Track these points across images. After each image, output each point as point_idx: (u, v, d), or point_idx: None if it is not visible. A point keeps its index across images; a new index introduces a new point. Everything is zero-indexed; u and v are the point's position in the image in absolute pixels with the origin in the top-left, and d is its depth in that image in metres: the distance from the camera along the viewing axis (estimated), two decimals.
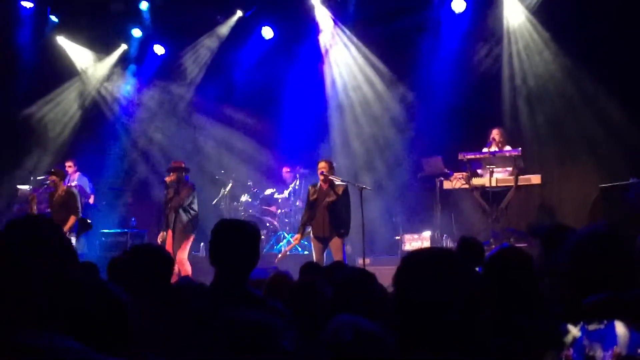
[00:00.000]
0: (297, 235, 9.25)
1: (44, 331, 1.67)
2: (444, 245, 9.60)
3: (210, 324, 2.58)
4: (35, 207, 9.73)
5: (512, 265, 2.77)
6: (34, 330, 1.66)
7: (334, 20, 12.28)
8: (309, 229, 9.07)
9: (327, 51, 12.62)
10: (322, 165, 8.92)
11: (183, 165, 9.64)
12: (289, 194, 11.93)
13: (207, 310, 2.78)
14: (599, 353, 1.90)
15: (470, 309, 1.77)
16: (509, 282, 2.70)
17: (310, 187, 9.15)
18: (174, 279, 3.46)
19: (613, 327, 1.91)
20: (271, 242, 11.61)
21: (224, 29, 12.86)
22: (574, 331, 2.01)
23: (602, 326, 1.94)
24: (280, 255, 9.35)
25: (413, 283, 1.82)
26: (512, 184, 9.45)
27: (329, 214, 8.80)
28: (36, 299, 1.69)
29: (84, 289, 1.95)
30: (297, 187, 11.78)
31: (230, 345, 2.42)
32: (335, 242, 8.82)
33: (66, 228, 9.31)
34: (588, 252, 2.33)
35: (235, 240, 3.09)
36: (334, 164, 9.11)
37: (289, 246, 9.74)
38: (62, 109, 13.32)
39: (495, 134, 9.81)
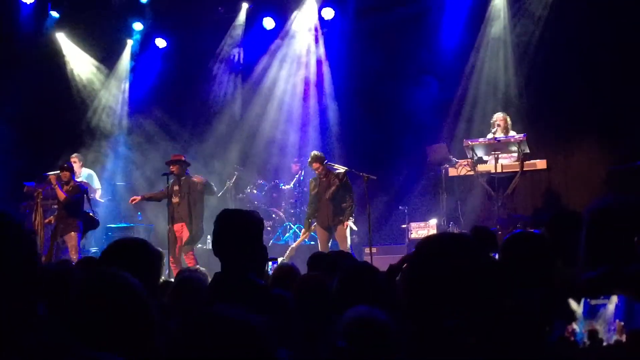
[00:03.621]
0: (304, 230, 9.41)
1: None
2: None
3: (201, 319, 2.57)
4: (40, 204, 9.73)
5: (528, 249, 2.79)
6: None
7: (333, 8, 12.25)
8: (315, 223, 9.20)
9: (323, 40, 12.62)
10: (314, 166, 9.12)
11: (183, 158, 9.63)
12: (294, 184, 11.94)
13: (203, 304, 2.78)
14: (602, 327, 1.90)
15: (485, 292, 1.75)
16: (525, 265, 2.72)
17: (311, 181, 9.35)
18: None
19: (614, 301, 1.90)
20: (278, 234, 11.63)
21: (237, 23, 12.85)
22: (575, 307, 2.00)
23: (605, 301, 1.94)
24: (288, 252, 9.41)
25: (428, 268, 1.80)
26: (518, 169, 9.40)
27: (332, 204, 8.93)
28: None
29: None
30: (302, 177, 11.79)
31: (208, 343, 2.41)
32: (341, 232, 8.91)
33: (72, 231, 9.31)
34: (599, 227, 2.36)
35: (238, 230, 3.07)
36: (322, 154, 9.27)
37: (296, 242, 9.80)
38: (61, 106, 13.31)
39: (499, 119, 9.75)
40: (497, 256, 3.07)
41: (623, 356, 1.77)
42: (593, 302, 1.95)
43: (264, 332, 1.51)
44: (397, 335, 2.26)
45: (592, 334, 1.87)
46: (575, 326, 1.92)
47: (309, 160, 9.29)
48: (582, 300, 1.97)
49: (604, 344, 1.82)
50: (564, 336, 1.91)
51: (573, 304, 2.00)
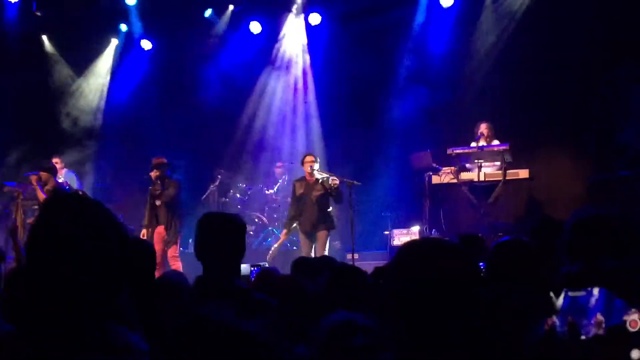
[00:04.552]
0: (284, 231, 9.27)
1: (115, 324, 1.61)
2: None
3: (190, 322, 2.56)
4: (21, 204, 9.64)
5: (517, 255, 2.83)
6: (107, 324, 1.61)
7: (320, 13, 12.27)
8: (296, 224, 9.08)
9: (310, 46, 12.65)
10: (309, 159, 8.97)
11: (165, 161, 9.59)
12: (277, 189, 11.92)
13: (188, 306, 2.77)
14: (581, 320, 1.90)
15: (469, 295, 1.76)
16: (514, 272, 2.76)
17: (295, 182, 9.19)
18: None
19: (594, 295, 1.91)
20: (260, 238, 11.60)
21: (220, 25, 12.83)
22: (555, 300, 2.01)
23: (583, 293, 1.94)
24: (270, 253, 9.34)
25: (411, 273, 1.80)
26: (501, 178, 9.46)
27: (318, 208, 8.82)
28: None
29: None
30: (285, 182, 11.77)
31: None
32: (321, 236, 8.86)
33: None
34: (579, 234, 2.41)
35: (220, 234, 3.07)
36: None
37: (277, 243, 9.73)
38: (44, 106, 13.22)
39: (483, 128, 9.82)
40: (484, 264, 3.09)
41: (603, 351, 1.78)
42: (572, 294, 1.96)
43: (260, 338, 1.53)
44: (380, 339, 2.25)
45: (572, 326, 1.87)
46: (555, 319, 1.92)
47: (306, 154, 9.17)
48: (563, 292, 1.99)
49: (582, 337, 1.83)
50: (546, 330, 1.91)
51: (553, 297, 2.01)
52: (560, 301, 1.95)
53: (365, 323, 2.31)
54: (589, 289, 1.91)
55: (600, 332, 1.80)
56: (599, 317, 1.83)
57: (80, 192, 11.47)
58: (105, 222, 1.65)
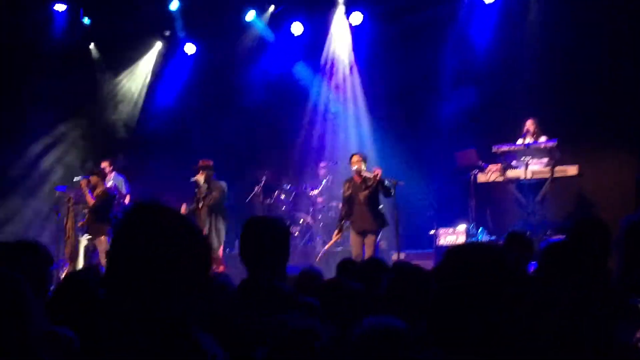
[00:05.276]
0: (336, 231, 9.28)
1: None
2: (480, 239, 9.50)
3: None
4: (71, 208, 9.87)
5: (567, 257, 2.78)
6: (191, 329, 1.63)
7: (361, 12, 12.24)
8: (347, 224, 9.07)
9: (352, 45, 12.63)
10: (354, 159, 8.93)
11: (211, 163, 9.68)
12: (322, 189, 11.93)
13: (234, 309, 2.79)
14: None
15: (515, 305, 1.73)
16: (567, 273, 2.71)
17: (344, 183, 9.17)
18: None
19: None
20: (305, 239, 11.63)
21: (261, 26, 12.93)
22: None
23: None
24: (320, 254, 9.37)
25: (455, 279, 1.78)
26: (548, 175, 9.28)
27: (367, 208, 8.78)
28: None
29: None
30: (330, 183, 11.77)
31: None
32: (371, 236, 8.82)
33: (101, 236, 9.45)
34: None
35: (264, 238, 3.08)
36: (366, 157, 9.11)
37: (328, 244, 9.73)
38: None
39: (529, 124, 9.65)
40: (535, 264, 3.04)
41: None
42: None
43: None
44: (416, 344, 2.25)
45: None
46: None
47: (353, 154, 9.14)
48: None
49: None
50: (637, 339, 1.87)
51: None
52: None
53: (400, 326, 2.31)
54: None
55: None
56: None
57: (128, 196, 11.71)
58: (186, 231, 1.66)
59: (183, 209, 9.32)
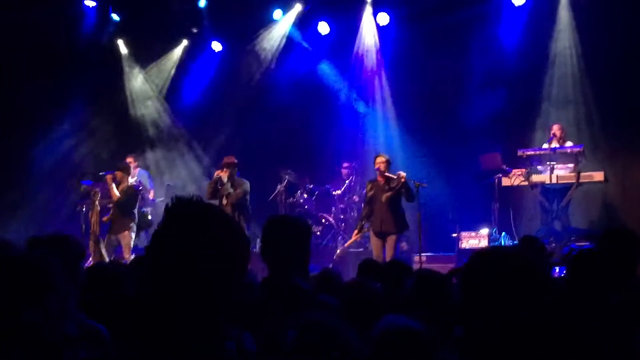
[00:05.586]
0: (355, 231, 9.27)
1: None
2: (502, 243, 9.43)
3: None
4: (97, 202, 9.96)
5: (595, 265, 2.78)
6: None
7: (388, 13, 12.21)
8: (368, 225, 9.05)
9: (379, 46, 12.60)
10: (379, 160, 8.91)
11: (235, 161, 9.72)
12: (344, 190, 11.92)
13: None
14: None
15: (537, 309, 1.73)
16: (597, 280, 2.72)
17: (367, 183, 9.17)
18: None
19: None
20: (327, 239, 11.63)
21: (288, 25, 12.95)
22: None
23: None
24: (339, 252, 9.37)
25: (480, 283, 1.78)
26: (574, 180, 9.19)
27: (388, 209, 8.75)
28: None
29: None
30: (352, 182, 11.76)
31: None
32: (391, 238, 8.78)
33: (125, 230, 9.56)
34: None
35: (285, 237, 3.10)
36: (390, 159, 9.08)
37: (347, 242, 9.72)
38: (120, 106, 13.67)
39: (556, 129, 9.58)
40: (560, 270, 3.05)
41: None
42: None
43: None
44: (434, 345, 2.25)
45: None
46: None
47: (377, 155, 9.13)
48: None
49: None
50: None
51: None
52: None
53: (416, 327, 2.31)
54: None
55: None
56: None
57: (152, 192, 11.81)
58: (228, 227, 1.65)
59: None
